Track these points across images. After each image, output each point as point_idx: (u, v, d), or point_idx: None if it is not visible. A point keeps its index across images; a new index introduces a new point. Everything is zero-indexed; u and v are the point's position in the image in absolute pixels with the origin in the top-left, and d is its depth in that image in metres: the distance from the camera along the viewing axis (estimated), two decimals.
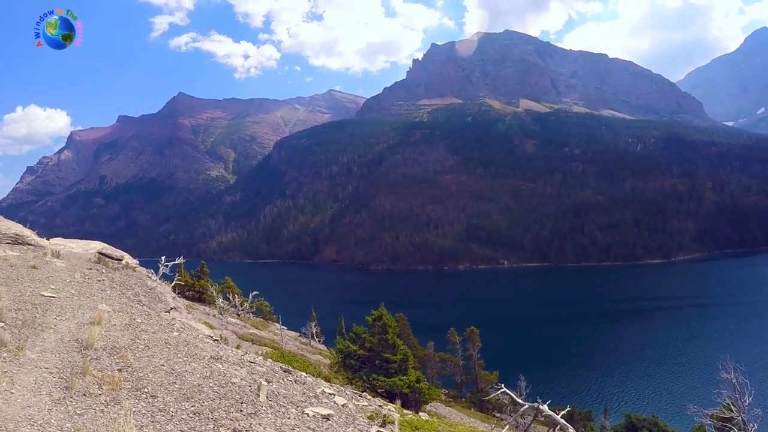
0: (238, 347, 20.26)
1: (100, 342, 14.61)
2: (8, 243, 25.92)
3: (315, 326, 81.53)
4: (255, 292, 79.52)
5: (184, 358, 15.05)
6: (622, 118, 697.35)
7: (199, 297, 73.46)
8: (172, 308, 23.96)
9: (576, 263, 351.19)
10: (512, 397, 33.93)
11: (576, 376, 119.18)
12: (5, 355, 12.75)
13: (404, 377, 36.98)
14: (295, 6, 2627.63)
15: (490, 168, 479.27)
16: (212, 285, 77.39)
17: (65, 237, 35.66)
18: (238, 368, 15.47)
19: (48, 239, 31.01)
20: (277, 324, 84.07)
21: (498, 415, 67.30)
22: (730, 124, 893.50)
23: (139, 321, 17.75)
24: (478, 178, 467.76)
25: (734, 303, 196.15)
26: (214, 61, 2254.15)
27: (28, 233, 28.73)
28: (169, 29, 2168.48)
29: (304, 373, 18.23)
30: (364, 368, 38.37)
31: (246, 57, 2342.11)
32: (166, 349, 15.43)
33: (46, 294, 18.05)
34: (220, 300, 70.06)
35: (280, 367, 17.31)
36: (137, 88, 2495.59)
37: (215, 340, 19.56)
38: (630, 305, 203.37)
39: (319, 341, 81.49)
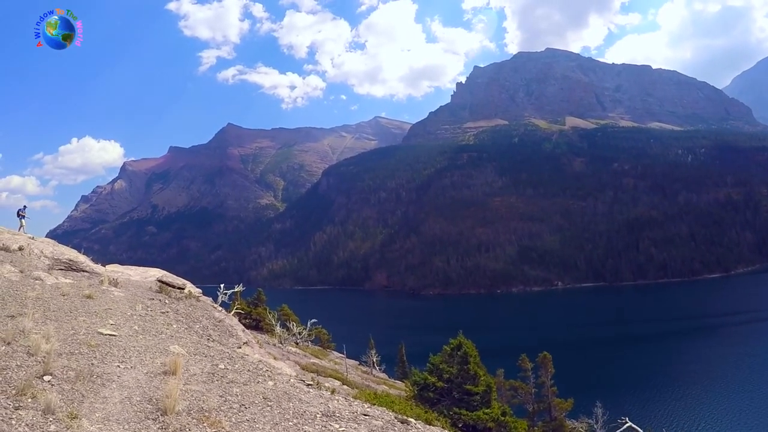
0: (333, 392, 18.12)
1: (181, 402, 11.39)
2: (61, 269, 24.28)
3: (374, 354, 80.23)
4: (313, 320, 78.56)
5: (294, 420, 11.99)
6: (670, 129, 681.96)
7: (256, 325, 72.35)
8: (244, 343, 22.26)
9: (632, 281, 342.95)
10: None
11: (648, 399, 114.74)
12: (53, 428, 9.53)
13: (488, 410, 34.19)
14: (337, 36, 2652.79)
15: (539, 188, 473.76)
16: (270, 313, 76.79)
17: (119, 264, 34.70)
18: (356, 426, 12.66)
19: (104, 265, 29.83)
20: (335, 352, 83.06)
21: None
22: None
23: (222, 367, 15.00)
24: (527, 199, 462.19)
25: None
26: (261, 92, 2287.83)
27: (82, 259, 27.40)
28: (217, 63, 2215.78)
29: (417, 421, 15.90)
30: (443, 401, 35.75)
31: (292, 88, 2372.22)
32: (268, 409, 12.35)
33: (105, 332, 15.65)
34: (278, 328, 69.17)
35: (396, 418, 15.16)
36: (187, 119, 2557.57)
37: (308, 384, 17.28)
38: (694, 322, 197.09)
39: (379, 370, 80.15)
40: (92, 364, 12.83)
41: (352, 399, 17.18)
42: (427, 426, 15.88)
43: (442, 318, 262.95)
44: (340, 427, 12.28)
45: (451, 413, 33.82)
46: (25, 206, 39.18)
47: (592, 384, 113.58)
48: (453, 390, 36.17)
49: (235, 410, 11.82)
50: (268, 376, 15.24)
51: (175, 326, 19.21)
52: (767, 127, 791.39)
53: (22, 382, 10.88)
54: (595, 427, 59.05)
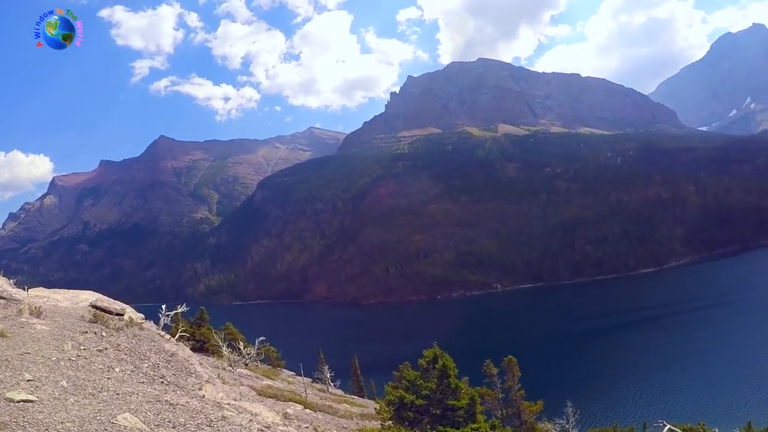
0: None
1: None
2: None
3: (328, 370, 77.84)
4: (261, 338, 75.84)
5: None
6: (599, 134, 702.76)
7: (201, 347, 68.50)
8: (206, 381, 18.06)
9: (570, 280, 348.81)
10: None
11: (604, 392, 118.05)
12: None
13: (475, 426, 31.18)
14: (271, 47, 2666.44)
15: (474, 194, 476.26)
16: (215, 333, 73.43)
17: (49, 286, 29.48)
18: None
19: (26, 290, 24.29)
20: (285, 370, 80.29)
21: None
22: (704, 129, 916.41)
23: None
24: (462, 205, 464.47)
25: (739, 300, 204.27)
26: (194, 104, 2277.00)
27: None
28: (150, 73, 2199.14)
29: None
30: (423, 419, 32.85)
31: (226, 99, 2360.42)
32: None
33: (17, 397, 10.40)
34: (226, 350, 65.85)
35: None
36: (119, 132, 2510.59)
37: None
38: (635, 315, 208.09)
39: (334, 386, 78.07)
40: None
41: None
42: None
43: (387, 327, 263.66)
44: None
45: None
46: None
47: (554, 383, 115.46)
48: (432, 407, 33.99)
49: None
50: None
51: (118, 370, 14.95)
52: (691, 129, 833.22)
53: None
54: (567, 426, 58.59)
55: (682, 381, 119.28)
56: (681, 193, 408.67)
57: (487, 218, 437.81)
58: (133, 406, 11.63)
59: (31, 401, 10.47)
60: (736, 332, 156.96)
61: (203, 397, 15.71)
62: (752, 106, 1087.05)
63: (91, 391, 12.07)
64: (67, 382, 12.21)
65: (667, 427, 27.70)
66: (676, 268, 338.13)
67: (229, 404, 15.77)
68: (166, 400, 12.87)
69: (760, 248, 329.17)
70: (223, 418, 12.79)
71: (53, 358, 13.87)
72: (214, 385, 19.28)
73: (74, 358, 14.46)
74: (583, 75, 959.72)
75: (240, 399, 21.00)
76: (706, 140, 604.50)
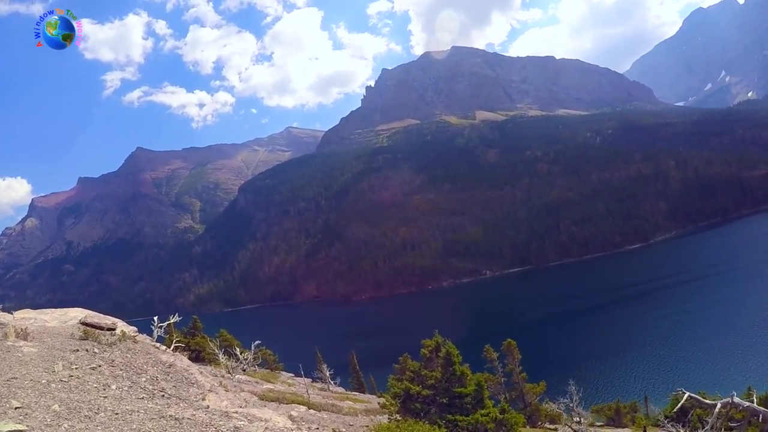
0: None
1: None
2: None
3: (327, 369, 77.00)
4: (257, 342, 75.22)
5: None
6: (577, 114, 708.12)
7: (197, 356, 67.73)
8: (208, 390, 17.25)
9: (558, 261, 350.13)
10: (698, 400, 29.22)
11: (603, 369, 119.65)
12: None
13: (485, 411, 31.20)
14: (243, 50, 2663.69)
15: (457, 182, 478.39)
16: (211, 341, 72.24)
17: (37, 308, 27.82)
18: None
19: (12, 312, 23.68)
20: (284, 372, 79.43)
21: (550, 426, 64.13)
22: (681, 104, 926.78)
23: None
24: (446, 194, 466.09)
25: (727, 270, 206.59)
26: (169, 112, 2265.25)
27: None
28: (122, 85, 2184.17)
29: None
30: (431, 409, 32.46)
31: (201, 105, 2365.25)
32: None
33: (5, 428, 9.39)
34: (222, 357, 64.71)
35: None
36: (95, 147, 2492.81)
37: None
38: (624, 292, 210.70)
39: (335, 384, 77.38)
40: None
41: None
42: None
43: (379, 321, 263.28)
44: None
45: (445, 421, 30.78)
46: None
47: (554, 364, 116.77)
48: (440, 395, 33.27)
49: None
50: None
51: (114, 387, 13.91)
52: (668, 105, 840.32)
53: None
54: (572, 405, 58.39)
55: (677, 352, 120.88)
56: (662, 169, 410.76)
57: (471, 205, 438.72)
58: (135, 426, 10.73)
59: (20, 431, 9.47)
60: (726, 302, 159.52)
61: (208, 407, 14.92)
62: (727, 79, 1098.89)
63: (87, 414, 11.05)
64: (59, 406, 11.17)
65: (687, 395, 26.98)
66: (662, 242, 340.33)
67: (236, 412, 14.93)
68: (171, 415, 11.99)
69: (742, 218, 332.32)
70: (236, 428, 12.01)
71: (43, 381, 12.90)
72: (217, 393, 18.54)
73: (66, 379, 13.47)
74: (558, 57, 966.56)
75: (245, 406, 20.22)
76: (683, 115, 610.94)
